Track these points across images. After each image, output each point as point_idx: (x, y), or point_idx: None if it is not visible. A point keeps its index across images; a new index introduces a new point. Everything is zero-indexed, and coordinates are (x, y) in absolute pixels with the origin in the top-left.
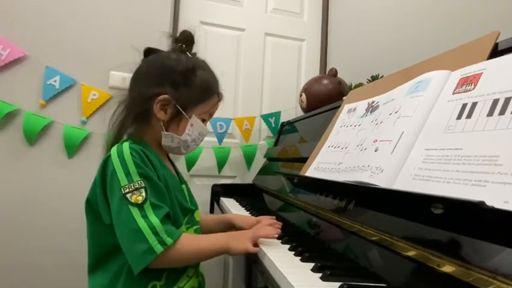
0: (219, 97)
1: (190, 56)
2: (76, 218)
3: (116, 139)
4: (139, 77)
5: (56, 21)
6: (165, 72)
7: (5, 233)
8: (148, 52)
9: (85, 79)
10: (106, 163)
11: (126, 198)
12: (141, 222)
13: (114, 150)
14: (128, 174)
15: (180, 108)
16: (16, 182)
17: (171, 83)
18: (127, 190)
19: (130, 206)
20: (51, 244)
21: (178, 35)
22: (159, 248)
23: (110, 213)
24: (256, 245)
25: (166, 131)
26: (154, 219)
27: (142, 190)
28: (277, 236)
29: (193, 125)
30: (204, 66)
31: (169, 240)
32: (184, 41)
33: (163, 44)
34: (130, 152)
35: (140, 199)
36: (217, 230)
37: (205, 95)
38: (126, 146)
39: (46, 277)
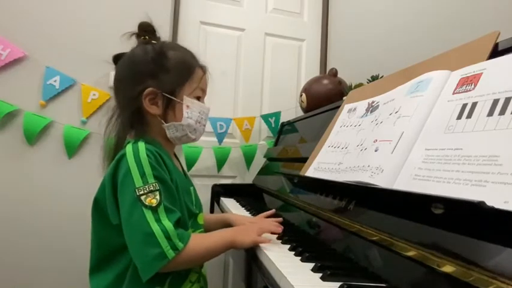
0: (203, 70)
1: (155, 43)
2: (76, 218)
3: (116, 149)
4: (118, 84)
5: (56, 21)
6: (138, 67)
7: (4, 232)
8: (117, 58)
9: (85, 79)
10: (119, 162)
11: (140, 200)
12: (155, 226)
13: (129, 149)
14: (143, 175)
15: (168, 95)
16: (16, 182)
17: (148, 75)
18: (142, 192)
19: (144, 209)
20: (51, 244)
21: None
22: (171, 254)
23: (119, 213)
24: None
25: (166, 123)
26: (168, 224)
27: (157, 193)
28: (280, 232)
29: (189, 106)
30: (173, 46)
31: (180, 245)
32: (144, 31)
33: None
34: (147, 153)
35: (154, 202)
36: (216, 229)
37: (186, 73)
38: (142, 146)
39: (46, 277)
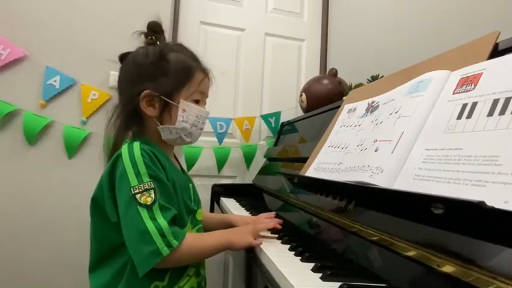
0: (205, 72)
1: (158, 44)
2: (76, 218)
3: (114, 148)
4: (120, 85)
5: (56, 21)
6: (138, 70)
7: (4, 232)
8: (123, 58)
9: (85, 79)
10: (115, 162)
11: (136, 199)
12: (149, 224)
13: (125, 149)
14: (138, 174)
15: (165, 98)
16: (16, 182)
17: (147, 78)
18: (137, 191)
19: (139, 207)
20: (51, 244)
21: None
22: (165, 251)
23: (117, 211)
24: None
25: (162, 125)
26: (162, 221)
27: (152, 191)
28: (279, 227)
29: (185, 110)
30: (175, 48)
31: (175, 243)
32: (152, 31)
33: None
34: (141, 153)
35: (149, 200)
36: (217, 229)
37: (185, 76)
38: (137, 146)
39: (47, 277)
